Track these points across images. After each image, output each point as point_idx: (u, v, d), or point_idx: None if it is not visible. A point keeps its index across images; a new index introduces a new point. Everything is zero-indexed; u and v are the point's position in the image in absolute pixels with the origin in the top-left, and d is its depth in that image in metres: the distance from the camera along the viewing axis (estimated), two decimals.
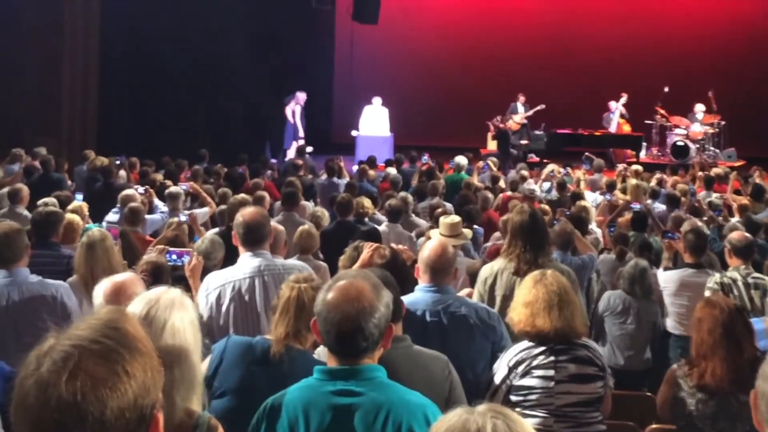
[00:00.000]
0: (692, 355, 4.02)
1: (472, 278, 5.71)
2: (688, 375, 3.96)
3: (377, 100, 19.02)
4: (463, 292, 4.77)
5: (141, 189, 9.19)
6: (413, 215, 9.33)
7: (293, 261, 4.75)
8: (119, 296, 3.50)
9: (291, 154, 18.13)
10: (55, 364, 1.49)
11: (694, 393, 3.93)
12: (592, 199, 11.34)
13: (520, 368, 3.68)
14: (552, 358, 3.67)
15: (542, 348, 3.68)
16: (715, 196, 11.09)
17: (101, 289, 3.54)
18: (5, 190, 9.28)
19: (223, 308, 4.27)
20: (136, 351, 1.56)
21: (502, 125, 18.61)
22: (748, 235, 6.37)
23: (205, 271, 5.00)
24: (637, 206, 9.66)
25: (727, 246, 6.09)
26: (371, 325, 2.52)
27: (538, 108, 18.98)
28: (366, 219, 8.58)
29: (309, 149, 18.85)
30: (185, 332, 2.67)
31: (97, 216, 8.58)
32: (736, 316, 3.95)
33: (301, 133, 18.71)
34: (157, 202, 9.21)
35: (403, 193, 9.92)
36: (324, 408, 2.53)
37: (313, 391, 2.58)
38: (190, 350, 2.64)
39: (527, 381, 3.67)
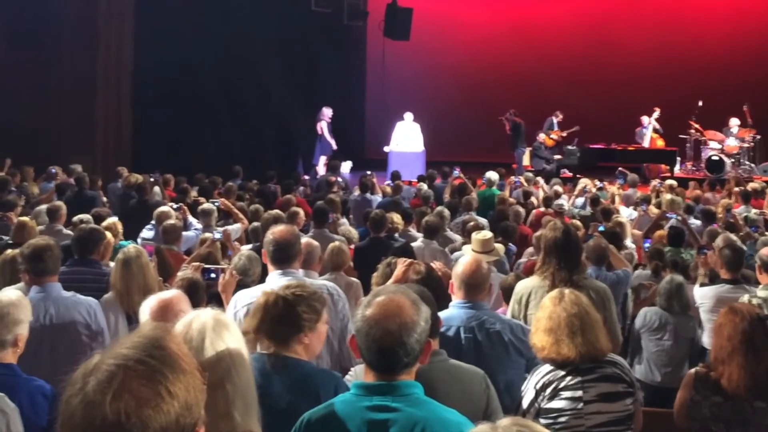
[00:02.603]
0: (711, 359, 4.04)
1: (505, 293, 5.68)
2: (706, 378, 3.97)
3: (409, 116, 19.04)
4: (499, 311, 4.75)
5: (175, 206, 9.24)
6: (449, 230, 9.31)
7: (319, 281, 4.70)
8: (166, 313, 3.52)
9: (319, 169, 18.21)
10: (100, 384, 1.52)
11: (709, 396, 3.93)
12: (626, 214, 11.26)
13: (548, 391, 3.61)
14: (579, 378, 3.60)
15: (569, 368, 3.62)
16: (754, 212, 10.94)
17: (148, 305, 3.56)
18: (43, 206, 9.38)
19: None
20: (179, 370, 1.59)
21: (516, 119, 18.62)
22: None
23: (243, 288, 5.01)
24: (673, 216, 9.61)
25: (758, 262, 5.99)
26: (413, 341, 2.53)
27: (573, 129, 19.04)
28: (396, 234, 8.57)
29: (348, 164, 18.94)
30: (228, 347, 2.66)
31: (131, 233, 8.62)
32: (757, 325, 3.93)
33: (333, 147, 18.76)
34: (191, 219, 9.26)
35: (439, 208, 9.88)
36: (360, 423, 2.53)
37: (350, 405, 2.58)
38: (237, 364, 2.62)
39: (556, 403, 3.61)
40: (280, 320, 3.31)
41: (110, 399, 1.49)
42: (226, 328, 2.70)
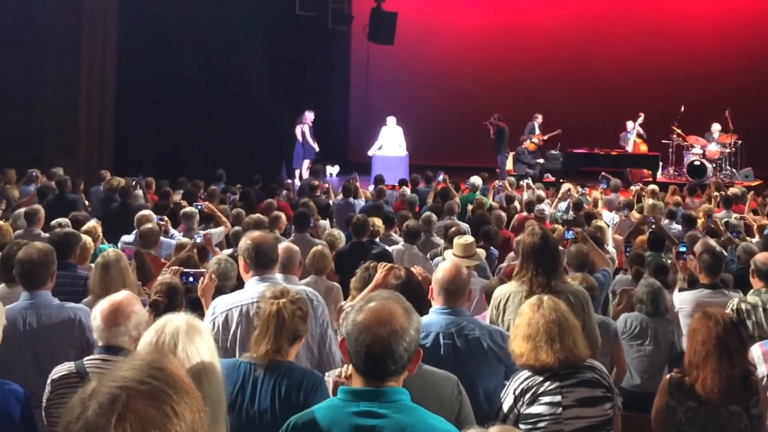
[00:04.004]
0: (685, 363, 4.05)
1: (489, 297, 5.67)
2: (680, 383, 3.99)
3: (392, 120, 19.04)
4: (482, 315, 4.74)
5: (158, 218, 9.13)
6: (435, 235, 9.31)
7: (298, 286, 4.66)
8: (118, 316, 3.51)
9: (304, 173, 18.20)
10: (102, 407, 1.45)
11: (684, 401, 3.96)
12: (609, 218, 11.29)
13: (527, 396, 3.61)
14: (558, 383, 3.60)
15: (547, 374, 3.63)
16: (734, 217, 10.99)
17: (99, 309, 3.53)
18: (22, 210, 9.32)
19: (230, 332, 4.19)
20: (182, 391, 1.54)
21: (500, 123, 18.65)
22: None
23: (221, 292, 4.98)
24: (652, 220, 9.69)
25: (752, 267, 6.01)
26: (401, 349, 2.52)
27: (555, 133, 19.08)
28: (378, 239, 8.57)
29: (336, 168, 18.91)
30: (200, 354, 2.65)
31: (113, 236, 8.58)
32: (731, 330, 3.97)
33: (316, 150, 18.72)
34: (172, 231, 9.20)
35: (427, 213, 9.88)
36: (346, 428, 2.53)
37: (337, 411, 2.58)
38: (208, 372, 2.62)
39: (535, 409, 3.60)
40: (293, 327, 3.38)
41: (115, 421, 1.42)
42: (198, 333, 2.70)
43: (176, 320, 2.71)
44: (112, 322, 3.52)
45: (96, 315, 3.55)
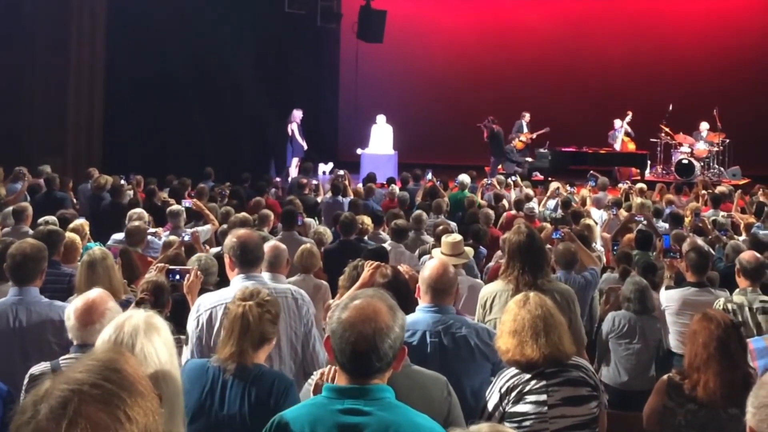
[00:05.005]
0: (685, 366, 4.04)
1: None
2: (680, 385, 3.97)
3: (381, 118, 19.04)
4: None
5: (152, 230, 9.05)
6: (425, 233, 9.30)
7: (284, 285, 4.66)
8: (92, 314, 3.49)
9: (292, 171, 18.18)
10: (53, 410, 1.42)
11: (684, 404, 3.94)
12: (597, 217, 11.30)
13: (513, 394, 3.61)
14: (543, 382, 3.60)
15: (533, 372, 3.62)
16: (722, 215, 11.01)
17: (73, 307, 3.51)
18: (10, 208, 9.29)
19: (215, 329, 4.15)
20: (137, 394, 1.52)
21: (495, 126, 18.64)
22: (759, 256, 6.17)
23: (203, 289, 4.97)
24: (640, 218, 9.68)
25: (737, 266, 6.02)
26: (386, 346, 2.52)
27: (543, 131, 19.11)
28: (366, 237, 8.56)
29: (329, 166, 18.91)
30: (158, 354, 2.64)
31: (103, 234, 8.54)
32: (732, 332, 3.96)
33: (304, 148, 18.70)
34: (164, 237, 9.14)
35: (417, 212, 9.88)
36: (331, 426, 2.52)
37: (321, 408, 2.57)
38: (165, 371, 2.61)
39: (520, 407, 3.60)
40: (260, 330, 3.37)
41: (65, 426, 1.40)
42: (157, 331, 2.70)
43: (136, 318, 2.71)
44: (86, 321, 3.51)
45: (70, 314, 3.53)
